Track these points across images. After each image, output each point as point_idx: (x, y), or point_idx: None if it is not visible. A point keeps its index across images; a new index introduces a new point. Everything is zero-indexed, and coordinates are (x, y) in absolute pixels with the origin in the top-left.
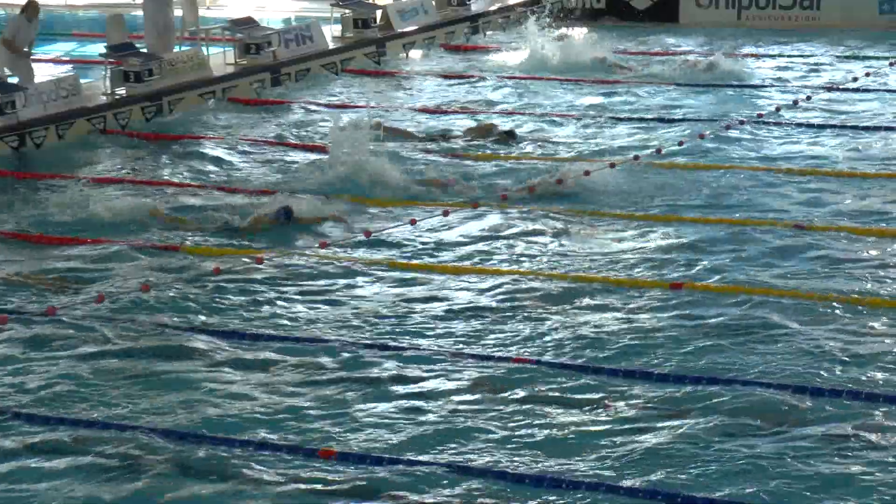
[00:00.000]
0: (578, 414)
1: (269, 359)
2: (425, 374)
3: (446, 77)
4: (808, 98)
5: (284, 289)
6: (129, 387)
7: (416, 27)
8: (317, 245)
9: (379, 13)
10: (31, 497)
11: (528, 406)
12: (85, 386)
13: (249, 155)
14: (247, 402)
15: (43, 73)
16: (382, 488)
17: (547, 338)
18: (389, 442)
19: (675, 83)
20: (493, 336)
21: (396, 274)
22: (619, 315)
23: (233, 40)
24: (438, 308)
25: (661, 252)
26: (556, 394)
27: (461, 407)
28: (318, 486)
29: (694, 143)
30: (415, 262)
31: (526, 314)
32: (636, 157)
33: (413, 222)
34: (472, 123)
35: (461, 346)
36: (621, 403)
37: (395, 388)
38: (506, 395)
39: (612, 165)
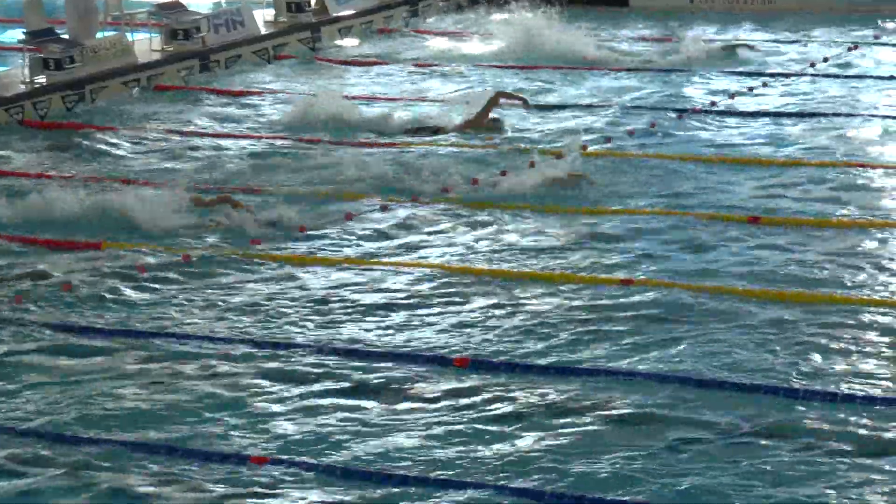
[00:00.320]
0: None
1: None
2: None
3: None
4: (765, 85)
5: (208, 288)
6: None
7: (352, 11)
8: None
9: None
10: None
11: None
12: None
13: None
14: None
15: None
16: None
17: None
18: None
19: (627, 68)
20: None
21: (328, 269)
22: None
23: (159, 25)
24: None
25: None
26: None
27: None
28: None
29: (645, 132)
30: (350, 256)
31: (458, 308)
32: (584, 147)
33: (349, 217)
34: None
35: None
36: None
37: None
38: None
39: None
